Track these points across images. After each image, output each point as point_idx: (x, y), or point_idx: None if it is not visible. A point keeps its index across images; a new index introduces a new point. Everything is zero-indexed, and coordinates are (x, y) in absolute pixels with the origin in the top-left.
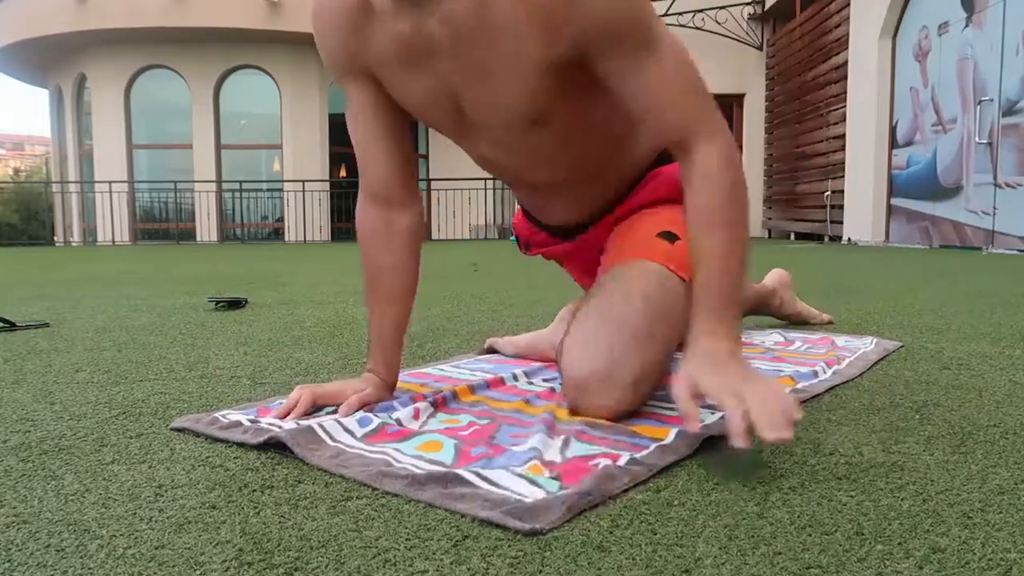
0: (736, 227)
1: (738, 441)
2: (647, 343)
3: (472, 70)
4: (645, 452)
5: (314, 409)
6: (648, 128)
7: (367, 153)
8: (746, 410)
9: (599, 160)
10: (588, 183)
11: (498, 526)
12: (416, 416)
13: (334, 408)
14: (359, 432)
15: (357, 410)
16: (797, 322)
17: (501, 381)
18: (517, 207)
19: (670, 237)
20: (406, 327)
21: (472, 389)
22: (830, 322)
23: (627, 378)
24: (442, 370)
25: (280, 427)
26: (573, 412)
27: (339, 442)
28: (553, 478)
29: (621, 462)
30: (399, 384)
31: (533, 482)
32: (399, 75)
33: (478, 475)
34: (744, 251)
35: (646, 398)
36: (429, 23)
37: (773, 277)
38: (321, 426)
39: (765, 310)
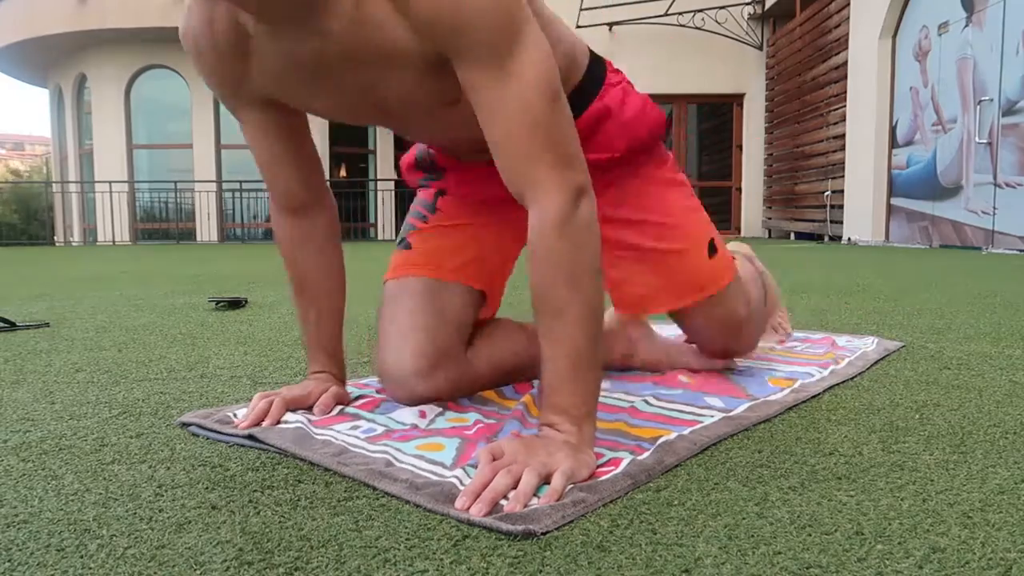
0: (568, 313)
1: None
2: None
3: (368, 74)
4: (646, 454)
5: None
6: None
7: (273, 171)
8: (491, 478)
9: None
10: None
11: (491, 530)
12: (423, 416)
13: (306, 410)
14: (363, 437)
15: (332, 408)
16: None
17: None
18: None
19: (711, 250)
20: (342, 322)
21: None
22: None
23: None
24: None
25: (283, 428)
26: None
27: (343, 441)
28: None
29: (622, 466)
30: None
31: None
32: (299, 91)
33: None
34: (582, 334)
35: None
36: (311, 40)
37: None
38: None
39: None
